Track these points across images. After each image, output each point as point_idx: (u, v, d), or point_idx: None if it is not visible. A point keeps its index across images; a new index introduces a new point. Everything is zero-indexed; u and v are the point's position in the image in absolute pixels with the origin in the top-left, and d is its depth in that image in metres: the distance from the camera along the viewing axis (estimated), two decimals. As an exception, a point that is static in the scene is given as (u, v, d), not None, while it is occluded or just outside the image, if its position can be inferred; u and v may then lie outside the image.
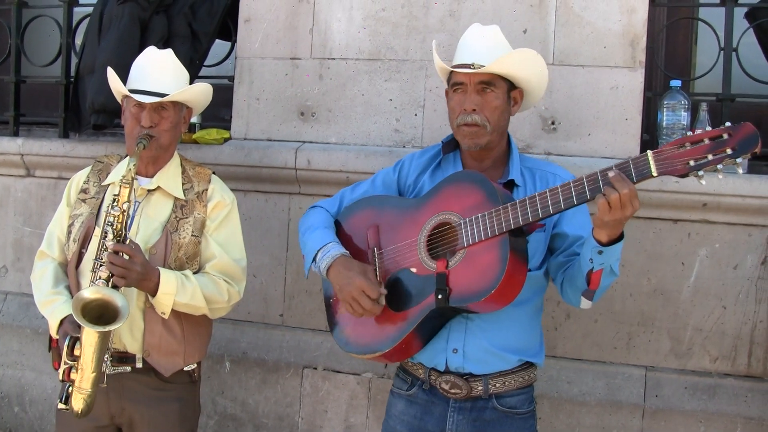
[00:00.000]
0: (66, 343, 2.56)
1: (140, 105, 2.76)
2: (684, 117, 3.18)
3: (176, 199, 2.84)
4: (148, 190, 2.84)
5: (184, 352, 2.81)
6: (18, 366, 4.01)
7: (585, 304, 2.35)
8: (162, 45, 3.53)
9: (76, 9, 4.17)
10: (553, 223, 2.50)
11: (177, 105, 2.84)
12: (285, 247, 3.64)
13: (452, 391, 2.50)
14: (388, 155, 3.38)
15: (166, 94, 2.77)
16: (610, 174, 2.09)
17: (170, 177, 2.87)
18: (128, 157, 2.85)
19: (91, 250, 2.73)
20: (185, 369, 2.85)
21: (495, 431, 2.51)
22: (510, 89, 2.53)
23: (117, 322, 2.48)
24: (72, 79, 4.00)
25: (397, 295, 2.47)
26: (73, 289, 2.79)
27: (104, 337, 2.53)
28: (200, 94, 2.92)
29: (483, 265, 2.27)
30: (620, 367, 3.26)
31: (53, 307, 2.75)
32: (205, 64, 3.87)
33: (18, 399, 4.01)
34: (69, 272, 2.83)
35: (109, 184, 2.89)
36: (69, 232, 2.84)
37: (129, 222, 2.69)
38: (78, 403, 2.56)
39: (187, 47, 3.68)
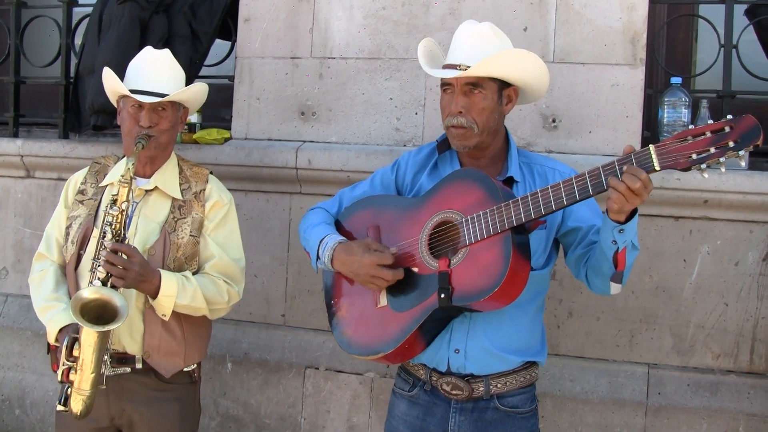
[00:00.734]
0: (65, 343, 2.55)
1: (139, 105, 2.75)
2: (685, 114, 3.18)
3: (174, 199, 2.84)
4: (146, 191, 2.84)
5: (185, 353, 2.81)
6: (19, 368, 4.00)
7: (615, 289, 2.33)
8: (162, 45, 3.53)
9: (75, 9, 4.17)
10: (558, 223, 2.49)
11: (175, 105, 2.84)
12: (286, 248, 3.64)
13: (453, 392, 2.50)
14: (389, 154, 3.38)
15: (165, 94, 2.76)
16: (623, 168, 2.08)
17: (168, 177, 2.87)
18: (126, 158, 2.85)
19: (90, 252, 2.72)
20: (185, 369, 2.84)
21: (497, 431, 2.51)
22: (502, 87, 2.48)
23: (116, 321, 2.47)
24: (72, 80, 3.99)
25: (398, 295, 2.46)
26: (71, 290, 2.78)
27: (103, 338, 2.53)
28: (198, 93, 2.92)
29: (486, 263, 2.26)
30: (623, 365, 3.26)
31: (53, 313, 2.73)
32: (205, 63, 3.86)
33: (19, 401, 4.00)
34: (68, 274, 2.82)
35: (106, 185, 2.88)
36: (67, 234, 2.83)
37: (128, 222, 2.69)
38: (77, 404, 2.55)
39: (187, 47, 3.67)
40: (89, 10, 3.90)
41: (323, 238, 2.58)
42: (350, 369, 3.50)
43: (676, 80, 3.23)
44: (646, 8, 3.27)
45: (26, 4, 4.28)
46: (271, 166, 3.57)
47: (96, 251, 2.61)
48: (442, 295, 2.31)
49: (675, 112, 3.20)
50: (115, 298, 2.50)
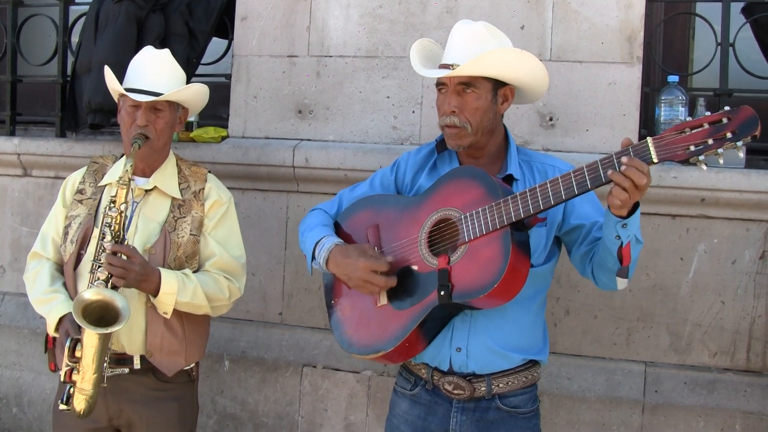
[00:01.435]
0: (67, 344, 2.56)
1: (136, 104, 2.75)
2: (682, 112, 3.18)
3: (173, 198, 2.84)
4: (146, 191, 2.84)
5: (186, 351, 2.81)
6: (16, 367, 4.00)
7: (621, 284, 2.32)
8: (159, 44, 3.53)
9: (72, 7, 4.15)
10: (559, 221, 2.49)
11: (173, 105, 2.83)
12: (283, 246, 3.64)
13: (455, 392, 2.49)
14: (386, 153, 3.38)
15: (162, 94, 2.76)
16: (623, 159, 2.07)
17: (166, 177, 2.87)
18: (124, 158, 2.85)
19: (90, 252, 2.73)
20: (184, 368, 2.85)
21: (498, 431, 2.50)
22: (497, 87, 2.47)
23: (118, 323, 2.48)
24: (68, 78, 3.98)
25: (398, 294, 2.46)
26: (70, 290, 2.79)
27: (105, 339, 2.53)
28: (196, 94, 2.91)
29: (485, 260, 2.26)
30: (620, 363, 3.27)
31: (52, 305, 2.74)
32: (202, 62, 3.86)
33: (16, 400, 4.00)
34: (66, 273, 2.82)
35: (105, 185, 2.88)
36: (66, 233, 2.83)
37: (127, 223, 2.70)
38: (80, 403, 2.57)
39: (184, 46, 3.67)
40: (86, 8, 3.89)
41: (320, 240, 2.58)
42: (348, 367, 3.50)
43: (673, 78, 3.23)
44: (643, 6, 3.27)
45: (23, 3, 4.27)
46: (268, 164, 3.57)
47: (96, 253, 2.62)
48: (442, 293, 2.31)
49: (672, 111, 3.20)
50: (117, 299, 2.51)
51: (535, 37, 3.35)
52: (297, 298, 3.64)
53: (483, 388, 2.47)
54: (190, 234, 2.81)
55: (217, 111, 3.85)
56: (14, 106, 4.23)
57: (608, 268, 2.29)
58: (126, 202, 2.62)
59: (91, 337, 2.50)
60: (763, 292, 3.15)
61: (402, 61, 3.49)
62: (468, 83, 2.42)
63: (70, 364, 2.55)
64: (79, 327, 2.51)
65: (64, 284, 2.82)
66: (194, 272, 2.80)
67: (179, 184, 2.88)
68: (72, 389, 2.57)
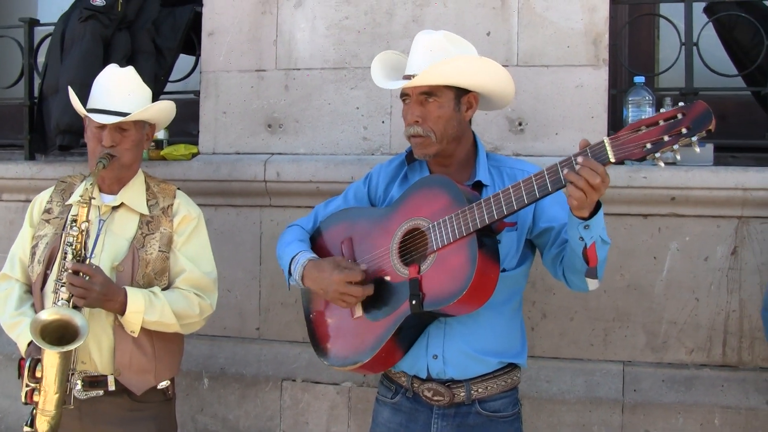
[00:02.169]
0: (27, 365, 2.54)
1: (101, 125, 2.73)
2: (649, 112, 3.20)
3: (141, 215, 2.83)
4: (113, 207, 2.82)
5: (155, 369, 2.79)
6: (-8, 393, 3.96)
7: (592, 284, 2.32)
8: (126, 62, 3.51)
9: (37, 28, 4.12)
10: (530, 224, 2.50)
11: (139, 123, 2.82)
12: (258, 261, 3.62)
13: (435, 398, 2.50)
14: (358, 164, 3.38)
15: (127, 113, 2.74)
16: (579, 159, 2.08)
17: (134, 193, 2.85)
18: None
19: (56, 270, 2.70)
20: (159, 387, 2.82)
21: None
22: (461, 94, 2.47)
23: (76, 341, 2.46)
24: (36, 100, 3.94)
25: (373, 305, 2.47)
26: (38, 309, 2.76)
27: (65, 357, 2.51)
28: (161, 111, 2.89)
29: (454, 267, 2.27)
30: (598, 364, 3.28)
31: (19, 330, 2.73)
32: (170, 79, 3.85)
33: (-6, 426, 3.96)
34: (34, 293, 2.80)
35: (72, 204, 2.86)
36: (33, 254, 2.81)
37: (93, 241, 2.68)
38: (42, 425, 2.54)
39: (152, 63, 3.66)
40: (51, 29, 3.87)
41: (295, 255, 2.59)
42: (327, 380, 3.49)
43: (639, 79, 3.26)
44: (607, 9, 3.30)
45: (-13, 26, 4.24)
46: (240, 179, 3.56)
47: (58, 272, 2.60)
48: (414, 302, 2.32)
49: (639, 111, 3.22)
50: (76, 317, 2.50)
51: (502, 43, 3.36)
52: (274, 312, 3.63)
53: (462, 394, 2.48)
54: (159, 251, 2.79)
55: (186, 128, 3.84)
56: (-18, 130, 4.20)
57: (577, 270, 2.31)
58: (87, 220, 2.60)
59: (50, 356, 2.48)
60: (736, 288, 3.17)
61: (370, 71, 3.47)
62: (429, 92, 2.43)
63: (30, 384, 2.53)
64: (40, 347, 2.49)
65: (33, 305, 2.80)
66: (164, 289, 2.78)
67: (147, 200, 2.86)
68: (34, 410, 2.54)
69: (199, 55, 3.81)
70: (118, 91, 2.79)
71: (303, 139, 3.61)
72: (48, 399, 2.52)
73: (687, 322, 3.20)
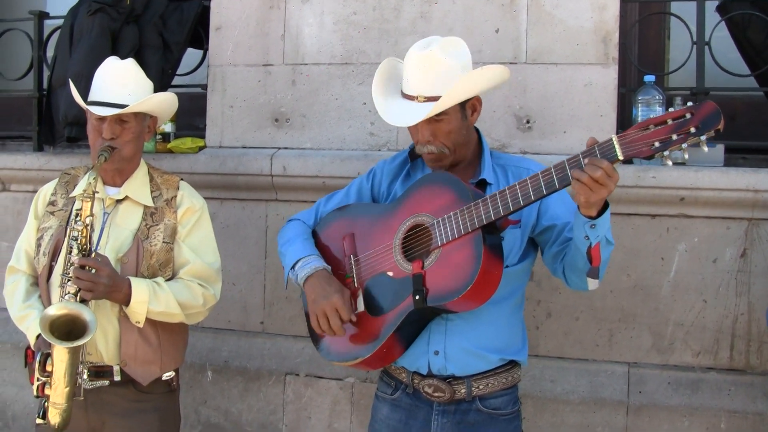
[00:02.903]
0: (38, 359, 2.57)
1: (101, 117, 2.74)
2: (659, 112, 3.17)
3: (145, 207, 2.84)
4: (117, 200, 2.83)
5: (161, 360, 2.80)
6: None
7: (593, 284, 2.33)
8: (133, 55, 3.52)
9: (46, 21, 4.14)
10: (533, 222, 2.49)
11: (139, 115, 2.82)
12: (263, 255, 3.63)
13: (435, 394, 2.50)
14: (364, 159, 3.38)
15: (127, 105, 2.74)
16: (584, 160, 2.08)
17: (138, 185, 2.86)
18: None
19: (60, 263, 2.72)
20: (163, 378, 2.84)
21: None
22: (464, 102, 2.45)
23: (85, 336, 2.48)
24: (45, 92, 3.97)
25: (375, 300, 2.47)
26: (45, 302, 2.78)
27: (75, 352, 2.53)
28: (162, 103, 2.89)
29: (458, 263, 2.27)
30: (603, 365, 3.26)
31: (28, 322, 2.76)
32: (177, 73, 3.85)
33: (0, 415, 3.97)
34: (40, 285, 2.82)
35: (76, 196, 2.86)
36: (38, 246, 2.83)
37: (98, 234, 2.69)
38: (54, 417, 2.56)
39: (159, 57, 3.67)
40: (60, 22, 3.89)
41: (306, 257, 2.58)
42: (330, 375, 3.49)
43: (649, 78, 3.23)
44: (617, 7, 3.27)
45: (-3, 18, 4.27)
46: (246, 173, 3.56)
47: (64, 266, 2.61)
48: (417, 297, 2.32)
49: (649, 110, 3.19)
50: (84, 312, 2.51)
51: (510, 40, 3.34)
52: (278, 306, 3.63)
53: (463, 390, 2.48)
54: (163, 242, 2.80)
55: (193, 121, 3.85)
56: (-9, 122, 4.23)
57: (579, 269, 2.30)
58: (92, 214, 2.61)
59: (60, 351, 2.50)
60: (745, 290, 3.14)
61: (377, 67, 3.46)
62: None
63: (41, 378, 2.55)
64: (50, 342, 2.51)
65: (40, 297, 2.82)
66: (167, 280, 2.79)
67: (151, 192, 2.87)
68: (46, 403, 2.57)
69: (207, 49, 3.82)
70: (118, 82, 2.79)
71: (309, 134, 3.60)
72: (59, 392, 2.54)
73: (694, 324, 3.17)
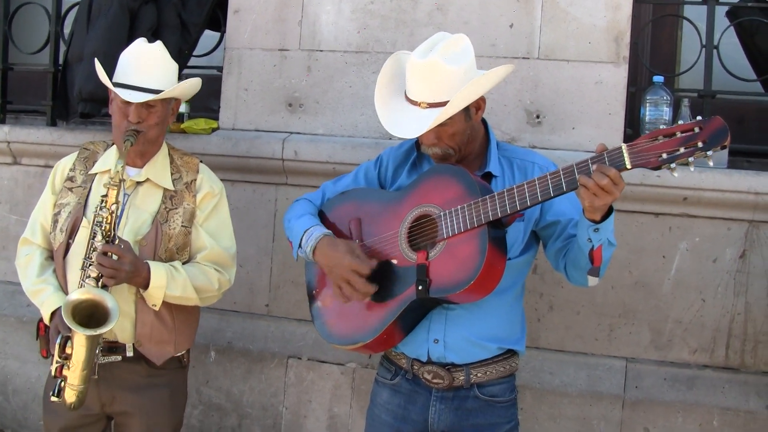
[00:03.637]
0: (58, 342, 2.58)
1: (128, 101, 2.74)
2: (666, 112, 3.22)
3: (165, 189, 2.84)
4: (137, 182, 2.84)
5: (175, 340, 2.84)
6: (1, 355, 4.00)
7: (592, 281, 2.37)
8: (151, 35, 3.53)
9: (65, -3, 4.15)
10: (537, 216, 2.52)
11: (166, 99, 2.83)
12: (271, 238, 3.66)
13: (434, 381, 2.53)
14: (375, 147, 3.40)
15: (154, 90, 2.75)
16: (593, 167, 2.13)
17: (159, 168, 2.87)
18: (115, 148, 2.86)
19: (78, 242, 2.74)
20: (175, 355, 2.87)
21: (477, 420, 2.54)
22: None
23: (107, 324, 2.50)
24: (60, 68, 3.99)
25: (378, 287, 2.49)
26: (60, 279, 2.80)
27: (95, 338, 2.55)
28: (190, 89, 2.92)
29: (462, 257, 2.30)
30: (601, 359, 3.30)
31: (43, 297, 2.76)
32: (194, 54, 3.88)
33: (1, 388, 3.99)
34: (56, 261, 2.83)
35: (96, 174, 2.88)
36: (55, 221, 2.83)
37: (117, 222, 2.69)
38: (71, 397, 2.59)
39: (177, 37, 3.68)
40: (79, -2, 3.90)
41: (309, 228, 2.60)
42: (332, 359, 3.53)
43: (658, 79, 3.27)
44: (630, 7, 3.31)
45: (16, -9, 4.27)
46: (258, 156, 3.59)
47: (86, 251, 2.63)
48: (420, 287, 2.35)
49: (657, 111, 3.24)
50: (107, 299, 2.54)
51: (524, 35, 3.38)
52: (284, 290, 3.66)
53: (462, 378, 2.52)
54: (182, 225, 2.82)
55: (208, 103, 3.86)
56: (5, 95, 4.24)
57: (581, 267, 2.35)
58: (117, 202, 2.62)
59: (80, 336, 2.52)
60: (743, 291, 3.19)
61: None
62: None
63: (60, 360, 2.57)
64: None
65: (54, 271, 2.83)
66: (184, 264, 2.81)
67: (171, 174, 2.88)
68: (63, 383, 2.59)
69: (224, 31, 3.83)
70: (147, 67, 2.79)
71: (322, 120, 3.63)
72: (76, 375, 2.56)
73: (692, 322, 3.22)
